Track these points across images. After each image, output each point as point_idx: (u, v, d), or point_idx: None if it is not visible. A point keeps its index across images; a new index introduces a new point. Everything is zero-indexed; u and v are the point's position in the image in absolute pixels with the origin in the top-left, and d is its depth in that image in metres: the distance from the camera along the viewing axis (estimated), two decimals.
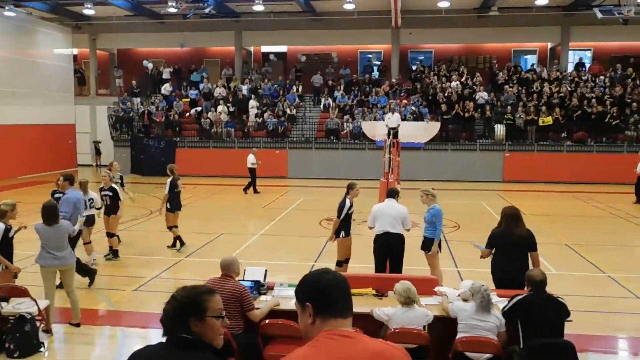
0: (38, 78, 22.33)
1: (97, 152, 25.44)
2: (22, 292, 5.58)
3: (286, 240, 10.88)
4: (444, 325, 4.71)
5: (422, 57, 26.01)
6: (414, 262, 7.49)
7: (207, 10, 20.42)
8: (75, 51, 25.92)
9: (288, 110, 22.43)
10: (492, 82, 23.06)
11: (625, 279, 8.03)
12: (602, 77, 22.12)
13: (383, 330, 4.62)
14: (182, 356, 1.90)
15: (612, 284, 7.92)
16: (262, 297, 5.20)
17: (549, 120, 19.98)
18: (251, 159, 16.78)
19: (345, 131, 21.40)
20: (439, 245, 7.03)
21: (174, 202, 9.50)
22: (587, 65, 24.04)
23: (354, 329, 1.84)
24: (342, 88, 23.29)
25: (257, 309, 4.77)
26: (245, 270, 5.45)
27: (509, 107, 20.66)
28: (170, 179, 9.49)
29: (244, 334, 4.67)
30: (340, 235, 7.30)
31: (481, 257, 5.84)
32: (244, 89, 23.57)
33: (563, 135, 20.24)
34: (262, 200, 15.79)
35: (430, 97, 21.82)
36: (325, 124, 21.62)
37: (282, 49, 26.87)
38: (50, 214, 5.84)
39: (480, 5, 22.53)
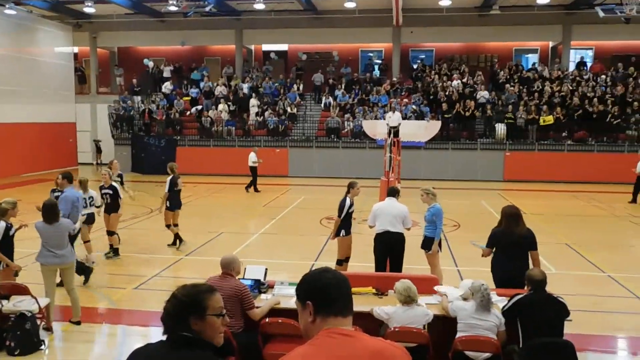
0: (38, 76, 22.33)
1: (98, 151, 25.45)
2: (23, 290, 5.59)
3: (286, 239, 10.88)
4: (444, 324, 4.72)
5: (423, 56, 25.99)
6: (414, 261, 7.50)
7: (207, 9, 20.42)
8: (75, 49, 25.92)
9: (289, 109, 22.43)
10: (493, 81, 23.04)
11: (625, 278, 8.03)
12: (603, 76, 22.10)
13: (383, 329, 4.63)
14: (183, 354, 1.90)
15: (612, 283, 7.92)
16: (263, 296, 5.20)
17: (550, 119, 19.95)
18: (252, 158, 16.79)
19: (346, 130, 21.39)
20: (439, 245, 7.04)
21: (173, 201, 9.51)
22: (589, 65, 24.02)
23: (354, 328, 1.85)
24: (343, 87, 23.28)
25: (258, 307, 4.77)
26: (245, 268, 5.46)
27: (510, 106, 20.64)
28: (170, 177, 9.50)
29: (243, 332, 4.67)
30: (341, 234, 7.31)
31: (482, 255, 5.85)
32: (245, 87, 23.56)
33: (564, 134, 20.22)
34: (262, 199, 15.79)
35: (431, 96, 21.81)
36: (326, 123, 21.62)
37: (283, 47, 26.86)
38: (50, 212, 5.85)
39: (481, 4, 22.50)
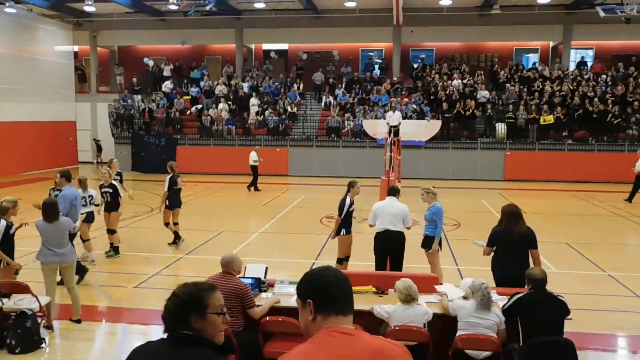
0: (38, 75, 22.33)
1: (99, 149, 25.46)
2: (23, 289, 5.60)
3: (287, 238, 10.89)
4: (444, 322, 4.73)
5: (423, 55, 25.98)
6: (415, 260, 7.50)
7: (208, 8, 20.40)
8: (75, 48, 25.92)
9: (289, 108, 22.42)
10: (493, 81, 23.04)
11: (625, 277, 8.04)
12: (603, 76, 22.10)
13: (383, 328, 4.63)
14: (183, 352, 1.90)
15: (612, 282, 7.92)
16: (263, 295, 5.21)
17: (550, 119, 19.95)
18: (253, 157, 16.81)
19: (346, 129, 21.39)
20: (440, 244, 7.04)
21: (173, 200, 9.52)
22: (589, 64, 24.01)
23: (354, 327, 1.84)
24: (343, 86, 23.27)
25: (258, 306, 4.78)
26: (245, 267, 5.46)
27: (510, 106, 20.63)
28: (169, 176, 9.50)
29: (244, 331, 4.68)
30: (341, 233, 7.31)
31: (483, 254, 5.86)
32: (245, 86, 23.56)
33: (564, 134, 20.22)
34: (262, 198, 15.80)
35: (431, 96, 21.81)
36: (326, 122, 21.62)
37: (283, 46, 26.85)
38: (50, 211, 5.86)
39: (482, 4, 22.49)
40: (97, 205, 8.67)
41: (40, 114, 22.21)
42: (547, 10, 22.67)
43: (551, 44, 25.22)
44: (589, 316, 6.33)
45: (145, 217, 12.48)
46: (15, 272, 6.09)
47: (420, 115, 20.55)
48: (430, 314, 4.63)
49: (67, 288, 6.07)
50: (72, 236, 6.80)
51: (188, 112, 23.22)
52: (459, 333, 4.49)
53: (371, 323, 4.51)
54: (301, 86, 24.14)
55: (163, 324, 1.98)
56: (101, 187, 8.84)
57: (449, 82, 22.33)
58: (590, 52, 25.29)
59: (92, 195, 8.45)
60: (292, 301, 4.89)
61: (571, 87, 21.43)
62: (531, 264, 5.44)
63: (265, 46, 27.31)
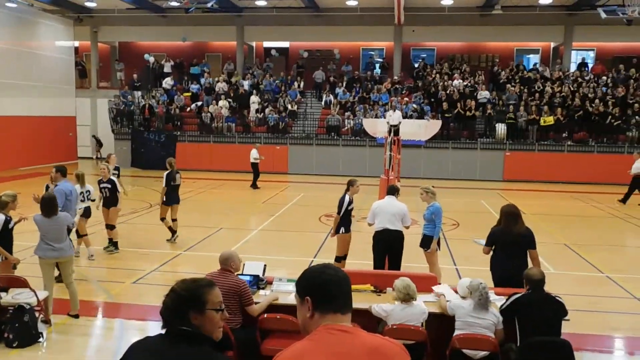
0: (39, 70, 22.31)
1: (99, 145, 25.42)
2: (22, 283, 5.60)
3: (285, 236, 10.89)
4: (442, 322, 4.73)
5: (424, 55, 25.98)
6: (413, 259, 7.51)
7: (209, 5, 20.38)
8: (76, 44, 25.88)
9: (289, 106, 22.41)
10: (493, 81, 23.04)
11: (623, 279, 8.05)
12: (604, 78, 22.10)
13: (381, 326, 4.64)
14: (181, 348, 1.90)
15: (610, 283, 7.94)
16: (261, 292, 5.21)
17: (550, 120, 19.96)
18: (254, 154, 16.82)
19: (346, 128, 21.39)
20: (438, 243, 7.05)
21: (170, 196, 9.53)
22: (590, 66, 24.00)
23: (352, 325, 1.84)
24: (343, 85, 23.26)
25: (256, 303, 4.78)
26: (244, 264, 5.46)
27: (510, 107, 20.63)
28: (167, 172, 9.51)
29: (242, 328, 4.68)
30: (341, 231, 7.32)
31: (484, 252, 5.88)
32: (246, 84, 23.55)
33: (564, 135, 20.23)
34: (262, 195, 15.80)
35: (432, 96, 21.80)
36: (326, 121, 21.61)
37: (284, 44, 26.83)
38: (49, 205, 5.86)
39: (483, 4, 22.48)
40: (93, 200, 8.66)
41: (41, 109, 22.20)
42: (548, 11, 22.66)
43: (552, 44, 25.22)
44: (587, 317, 6.33)
45: (144, 213, 12.48)
46: (13, 266, 6.10)
47: (421, 115, 20.55)
48: (427, 312, 4.64)
49: (65, 283, 6.07)
50: (68, 231, 6.79)
51: (188, 109, 23.20)
52: (456, 332, 4.50)
53: (369, 322, 4.51)
54: (302, 84, 24.13)
55: (161, 319, 1.98)
56: (100, 182, 8.84)
57: (450, 82, 22.33)
58: (591, 54, 25.30)
59: (89, 191, 8.45)
60: (290, 299, 4.90)
61: (572, 89, 21.43)
62: (530, 264, 5.45)
63: (266, 44, 27.30)
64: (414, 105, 21.04)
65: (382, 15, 23.01)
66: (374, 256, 6.90)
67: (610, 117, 19.84)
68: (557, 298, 4.51)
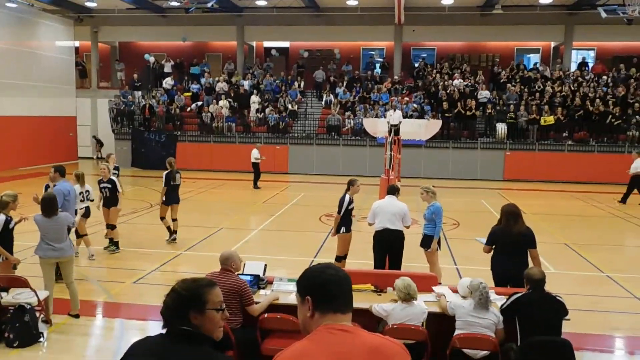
0: (39, 70, 22.31)
1: (100, 145, 25.41)
2: (22, 283, 5.60)
3: (286, 236, 10.89)
4: (442, 321, 4.73)
5: (424, 55, 25.97)
6: (413, 259, 7.51)
7: (209, 5, 20.38)
8: (76, 44, 25.88)
9: (289, 106, 22.41)
10: (494, 81, 23.03)
11: (624, 278, 8.05)
12: (605, 77, 22.08)
13: (381, 326, 4.64)
14: (182, 348, 1.90)
15: (611, 283, 7.93)
16: (262, 292, 5.21)
17: (550, 120, 19.96)
18: (255, 154, 16.81)
19: (346, 128, 21.38)
20: (439, 243, 7.05)
21: (170, 195, 9.53)
22: (590, 65, 23.99)
23: (352, 324, 1.84)
24: (344, 84, 23.26)
25: (257, 303, 4.78)
26: (244, 264, 5.46)
27: (511, 106, 20.63)
28: (166, 172, 9.51)
29: (242, 328, 4.68)
30: (341, 231, 7.32)
31: (484, 251, 5.89)
32: (246, 84, 23.55)
33: (564, 134, 20.22)
34: (262, 195, 15.80)
35: (432, 99, 21.79)
36: (326, 120, 21.61)
37: (285, 44, 26.82)
38: (49, 205, 5.86)
39: (483, 4, 22.47)
40: (92, 200, 8.66)
41: (41, 109, 22.20)
42: (548, 11, 22.65)
43: (552, 44, 25.21)
44: (587, 317, 6.33)
45: (145, 213, 12.48)
46: (13, 266, 6.10)
47: (421, 115, 20.54)
48: (426, 312, 4.64)
49: (66, 283, 6.07)
50: (67, 231, 6.79)
51: (188, 108, 23.21)
52: (456, 332, 4.50)
53: (369, 321, 4.51)
54: (302, 84, 24.13)
55: (162, 319, 1.98)
56: (100, 182, 8.84)
57: (450, 81, 22.32)
58: (592, 53, 25.29)
59: (88, 191, 8.46)
60: (290, 298, 4.91)
61: (572, 88, 21.43)
62: (530, 264, 5.45)
63: (267, 44, 27.29)
64: (414, 105, 21.04)
65: (382, 15, 23.00)
66: (375, 256, 6.90)
67: (610, 116, 19.83)
68: (558, 297, 4.51)
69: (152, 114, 22.63)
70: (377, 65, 25.63)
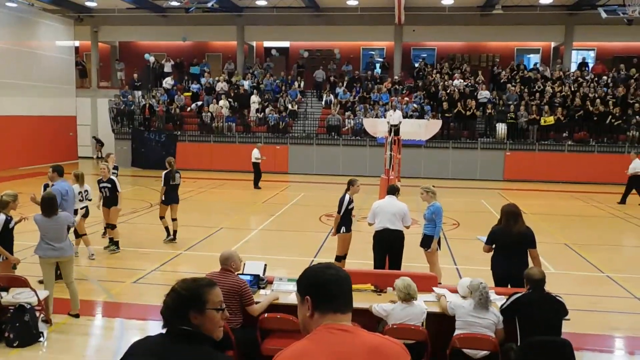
0: (39, 70, 22.31)
1: (100, 144, 25.39)
2: (22, 283, 5.61)
3: (286, 236, 10.89)
4: (442, 321, 4.73)
5: (424, 55, 25.97)
6: (413, 259, 7.51)
7: (209, 5, 20.38)
8: (77, 43, 25.88)
9: (290, 106, 22.41)
10: (494, 81, 23.03)
11: (623, 278, 8.05)
12: (605, 78, 22.08)
13: (381, 326, 4.64)
14: (182, 348, 1.90)
15: (610, 283, 7.94)
16: (262, 292, 5.21)
17: (550, 120, 19.96)
18: (255, 154, 16.81)
19: (346, 128, 21.38)
20: (439, 243, 7.05)
21: (169, 195, 9.54)
22: (590, 65, 23.99)
23: (352, 324, 1.84)
24: (344, 84, 23.26)
25: (257, 303, 4.78)
26: (244, 264, 5.46)
27: (511, 106, 20.63)
28: (165, 171, 9.52)
29: (242, 328, 4.68)
30: (342, 231, 7.32)
31: (484, 250, 5.89)
32: (246, 84, 23.55)
33: (564, 135, 20.23)
34: (262, 195, 15.80)
35: (432, 100, 21.78)
36: (326, 120, 21.61)
37: (285, 44, 26.82)
38: (49, 205, 5.86)
39: (483, 4, 22.47)
40: (90, 200, 8.66)
41: (41, 109, 22.20)
42: (548, 11, 22.65)
43: (552, 44, 25.21)
44: (587, 317, 6.33)
45: (145, 213, 12.48)
46: (13, 266, 6.09)
47: (421, 115, 20.54)
48: (426, 312, 4.64)
49: (66, 282, 6.07)
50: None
51: (188, 108, 23.21)
52: (456, 332, 4.50)
53: (369, 321, 4.51)
54: (302, 84, 24.13)
55: (162, 319, 1.98)
56: (99, 182, 8.84)
57: (450, 81, 22.32)
58: (592, 53, 25.28)
59: (87, 190, 8.46)
60: (290, 298, 4.91)
61: (572, 88, 21.43)
62: (530, 264, 5.45)
63: (267, 44, 27.29)
64: (415, 105, 21.04)
65: (382, 15, 23.00)
66: (374, 256, 6.90)
67: (610, 116, 19.83)
68: (558, 298, 4.51)
69: (152, 114, 22.63)
70: (377, 65, 25.63)
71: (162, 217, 9.69)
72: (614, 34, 22.40)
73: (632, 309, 7.00)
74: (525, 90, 21.63)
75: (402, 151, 16.01)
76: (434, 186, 7.18)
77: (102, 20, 25.90)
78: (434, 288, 5.27)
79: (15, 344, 5.30)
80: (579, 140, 20.12)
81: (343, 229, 7.31)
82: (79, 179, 8.32)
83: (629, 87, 21.18)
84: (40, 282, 6.18)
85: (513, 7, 21.55)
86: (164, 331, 1.97)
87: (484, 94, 21.58)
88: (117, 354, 5.28)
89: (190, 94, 23.82)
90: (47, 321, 5.83)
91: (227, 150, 21.42)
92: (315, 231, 10.81)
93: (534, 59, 25.64)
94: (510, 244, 5.55)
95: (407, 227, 6.90)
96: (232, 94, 23.09)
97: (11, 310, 5.43)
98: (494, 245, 5.75)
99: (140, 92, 24.06)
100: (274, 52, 26.48)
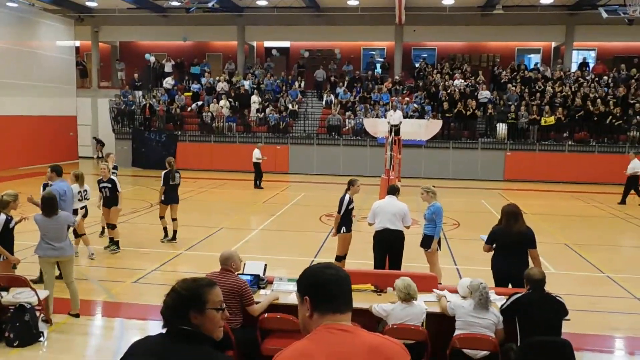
0: (40, 70, 22.32)
1: (101, 144, 25.41)
2: (23, 282, 5.61)
3: (286, 236, 10.90)
4: (442, 321, 4.73)
5: (425, 55, 25.96)
6: (414, 259, 7.51)
7: (210, 4, 20.38)
8: (77, 43, 25.90)
9: (290, 106, 22.42)
10: (494, 81, 23.02)
11: (624, 279, 8.05)
12: (605, 78, 22.07)
13: (381, 326, 4.64)
14: (181, 348, 1.90)
15: (610, 283, 7.93)
16: (262, 292, 5.21)
17: (551, 120, 19.95)
18: (256, 154, 16.81)
19: (347, 128, 21.38)
20: (439, 243, 7.04)
21: (169, 195, 9.55)
22: (591, 65, 23.98)
23: (352, 324, 1.84)
24: (344, 84, 23.26)
25: (257, 303, 4.78)
26: (245, 264, 5.47)
27: (511, 106, 20.63)
28: (164, 171, 9.53)
29: (242, 328, 4.68)
30: (342, 231, 7.32)
31: (484, 250, 5.89)
32: (246, 84, 23.56)
33: (565, 135, 20.22)
34: (262, 195, 15.81)
35: (432, 95, 21.78)
36: (327, 120, 21.61)
37: (285, 44, 26.82)
38: (49, 205, 5.86)
39: (484, 4, 22.46)
40: (88, 199, 8.65)
41: (41, 109, 22.21)
42: (549, 11, 22.64)
43: (553, 44, 25.20)
44: (587, 317, 6.33)
45: (145, 213, 12.48)
46: (13, 266, 6.10)
47: (421, 115, 20.54)
48: (425, 312, 4.64)
49: (66, 282, 6.07)
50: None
51: (189, 108, 23.21)
52: (456, 332, 4.50)
53: (369, 321, 4.51)
54: (302, 84, 24.13)
55: (162, 319, 1.98)
56: (99, 182, 8.84)
57: (451, 81, 22.32)
58: (592, 53, 25.27)
59: (86, 190, 8.47)
60: (290, 298, 4.91)
61: (573, 88, 21.42)
62: (531, 264, 5.45)
63: (267, 44, 27.29)
64: (415, 105, 21.04)
65: (383, 15, 23.00)
66: (375, 256, 6.90)
67: (611, 117, 19.82)
68: (558, 298, 4.51)
69: (153, 114, 22.64)
70: (378, 65, 25.63)
71: (162, 217, 9.71)
72: (615, 34, 22.38)
73: (632, 309, 7.00)
74: (526, 90, 21.62)
75: (403, 151, 16.00)
76: (434, 186, 7.18)
77: (103, 20, 25.91)
78: (435, 290, 5.27)
79: (15, 344, 5.31)
80: (580, 141, 20.11)
81: (343, 229, 7.31)
82: (79, 178, 8.33)
83: (630, 87, 21.17)
84: (34, 281, 6.17)
85: (513, 7, 21.54)
86: (164, 331, 1.97)
87: (484, 94, 21.58)
88: (117, 353, 5.29)
89: (190, 94, 23.83)
90: (47, 321, 5.83)
91: (228, 150, 21.42)
92: (316, 231, 10.81)
93: (535, 59, 25.63)
94: (510, 244, 5.55)
95: (408, 227, 6.90)
96: (233, 94, 23.10)
97: (11, 310, 5.44)
98: (494, 245, 5.75)
99: (140, 92, 24.07)
100: (274, 52, 26.48)
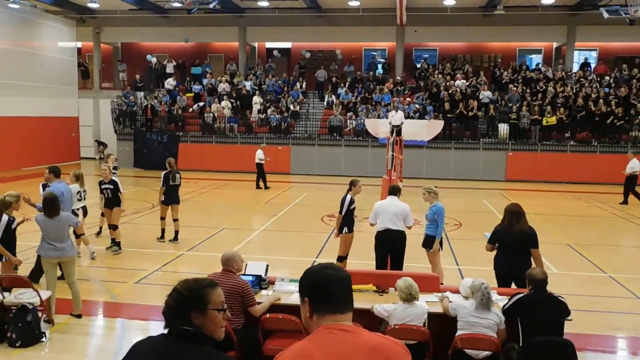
0: (42, 71, 22.37)
1: (104, 145, 25.44)
2: (24, 283, 5.62)
3: (288, 236, 10.90)
4: (444, 322, 4.73)
5: (426, 55, 25.94)
6: (415, 259, 7.51)
7: (211, 6, 20.39)
8: (79, 44, 25.95)
9: (291, 107, 22.43)
10: (496, 81, 23.00)
11: (626, 279, 8.03)
12: (607, 78, 22.04)
13: (383, 326, 4.64)
14: (183, 348, 1.91)
15: (612, 283, 7.92)
16: (263, 292, 5.22)
17: (552, 120, 19.93)
18: (259, 155, 16.82)
19: (348, 128, 21.38)
20: (440, 243, 7.04)
21: (169, 195, 9.56)
22: (593, 66, 23.95)
23: (353, 324, 1.84)
24: (346, 85, 23.26)
25: (259, 303, 4.79)
26: (246, 264, 5.47)
27: (513, 107, 20.61)
28: (164, 172, 9.54)
29: (244, 328, 4.69)
30: (344, 231, 7.32)
31: (486, 249, 5.89)
32: (248, 84, 23.57)
33: (567, 135, 20.19)
34: (264, 195, 15.81)
35: (434, 96, 21.76)
36: (328, 121, 21.62)
37: (286, 45, 26.84)
38: (50, 205, 5.87)
39: (485, 4, 22.44)
40: (85, 199, 8.66)
41: (43, 110, 22.25)
42: (550, 11, 22.61)
43: (555, 45, 25.17)
44: (589, 317, 6.32)
45: (147, 214, 12.50)
46: (14, 267, 6.11)
47: (423, 115, 20.53)
48: (426, 312, 4.63)
49: (68, 283, 6.08)
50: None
51: (190, 109, 23.24)
52: (458, 332, 4.49)
53: (370, 321, 4.51)
54: (304, 85, 24.14)
55: (163, 319, 1.98)
56: (101, 183, 8.86)
57: (452, 82, 22.30)
58: (594, 54, 25.24)
59: (85, 190, 8.49)
60: (292, 299, 4.92)
61: (574, 89, 21.39)
62: (533, 264, 5.44)
63: (268, 44, 27.30)
64: (416, 106, 21.03)
65: (384, 15, 23.00)
66: (376, 256, 6.90)
67: (612, 117, 19.79)
68: (560, 298, 4.51)
69: (154, 115, 22.66)
70: (379, 65, 25.62)
71: (162, 218, 9.72)
72: (616, 34, 22.35)
73: (634, 309, 6.98)
74: (527, 90, 21.59)
75: (404, 152, 15.99)
76: (436, 186, 7.17)
77: (104, 22, 25.96)
78: (436, 293, 5.27)
79: (17, 344, 5.32)
80: (581, 141, 20.08)
81: (345, 229, 7.32)
82: (79, 179, 8.34)
83: (631, 87, 21.13)
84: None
85: (515, 8, 21.52)
86: (165, 331, 1.97)
87: (486, 95, 21.56)
88: (119, 354, 5.30)
89: (192, 94, 23.85)
90: (50, 321, 5.84)
91: (229, 151, 21.44)
92: (317, 231, 10.81)
93: (536, 59, 25.60)
94: (513, 243, 5.55)
95: (409, 228, 6.90)
96: (234, 95, 23.11)
97: (13, 311, 5.45)
98: (496, 245, 5.75)
99: (142, 93, 24.11)
100: (275, 52, 26.49)
